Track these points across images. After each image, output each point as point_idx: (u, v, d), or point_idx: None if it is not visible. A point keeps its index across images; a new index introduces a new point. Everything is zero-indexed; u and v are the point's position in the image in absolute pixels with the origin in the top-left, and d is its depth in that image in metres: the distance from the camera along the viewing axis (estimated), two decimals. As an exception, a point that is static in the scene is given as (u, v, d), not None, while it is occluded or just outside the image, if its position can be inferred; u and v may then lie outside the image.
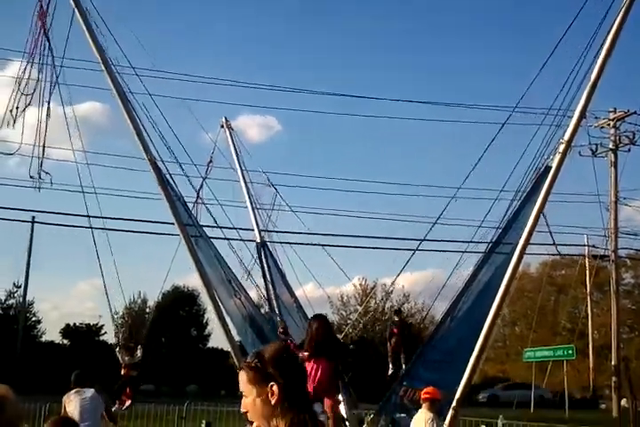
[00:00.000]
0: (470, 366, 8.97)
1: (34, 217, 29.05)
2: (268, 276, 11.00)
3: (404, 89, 56.13)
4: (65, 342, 43.70)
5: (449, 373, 9.42)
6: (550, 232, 9.55)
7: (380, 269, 71.71)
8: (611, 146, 27.18)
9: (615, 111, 27.23)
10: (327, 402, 8.41)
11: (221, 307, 9.11)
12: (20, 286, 39.65)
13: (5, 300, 42.76)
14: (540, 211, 8.54)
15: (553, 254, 37.88)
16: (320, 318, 8.73)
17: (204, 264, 9.00)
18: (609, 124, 27.30)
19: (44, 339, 43.67)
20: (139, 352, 16.32)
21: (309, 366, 8.30)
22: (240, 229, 12.07)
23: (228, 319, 9.20)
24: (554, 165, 8.21)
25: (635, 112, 26.45)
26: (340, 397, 8.96)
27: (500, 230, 9.20)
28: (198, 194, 10.35)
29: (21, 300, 39.66)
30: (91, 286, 58.56)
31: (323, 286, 33.33)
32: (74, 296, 61.20)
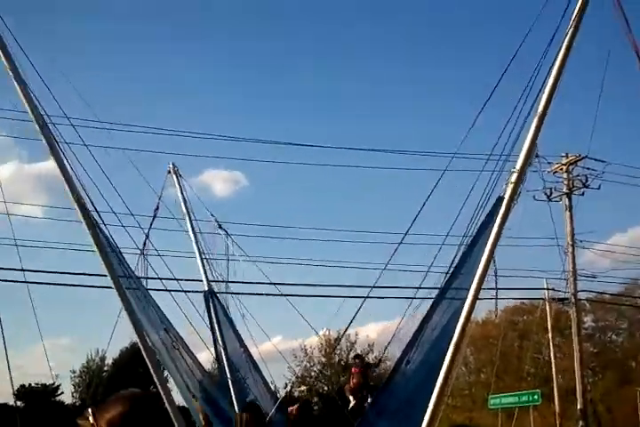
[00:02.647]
0: (429, 415, 8.69)
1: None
2: (216, 328, 10.61)
3: (357, 137, 56.88)
4: (19, 403, 42.14)
5: (408, 422, 9.12)
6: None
7: (346, 319, 70.99)
8: (565, 190, 27.73)
9: (567, 156, 27.90)
10: None
11: (161, 361, 8.78)
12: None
13: (-44, 361, 41.33)
14: (495, 243, 8.32)
15: (512, 298, 38.08)
16: (251, 410, 8.19)
17: (142, 318, 8.70)
18: (562, 169, 27.90)
19: (-6, 401, 42.17)
20: None
21: None
22: (183, 279, 11.73)
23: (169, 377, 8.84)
24: (506, 196, 8.12)
25: (586, 156, 27.14)
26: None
27: (449, 275, 9.05)
28: (144, 245, 10.08)
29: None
30: (53, 346, 57.09)
31: (290, 338, 32.67)
32: (36, 356, 59.47)
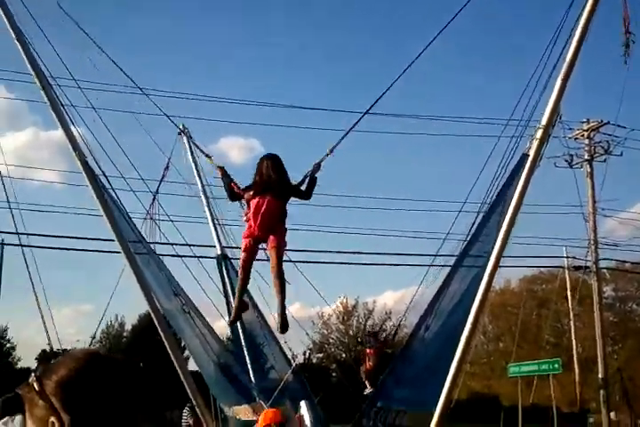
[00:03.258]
0: (448, 382, 8.50)
1: (2, 239, 28.31)
2: (230, 293, 10.36)
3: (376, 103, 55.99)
4: (41, 368, 42.73)
5: (428, 389, 8.93)
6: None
7: (363, 287, 71.22)
8: (586, 156, 27.04)
9: (589, 122, 27.18)
10: (272, 238, 7.77)
11: (174, 326, 8.64)
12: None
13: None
14: (519, 204, 7.96)
15: (532, 266, 37.71)
16: (272, 157, 8.04)
17: (153, 283, 8.54)
18: (583, 135, 27.21)
19: (19, 366, 42.72)
20: None
21: (253, 202, 7.77)
22: (195, 245, 11.51)
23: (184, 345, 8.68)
24: (531, 153, 7.76)
25: (608, 122, 26.39)
26: (308, 419, 8.41)
27: (467, 242, 8.76)
28: (150, 207, 9.84)
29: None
30: (75, 312, 57.67)
31: (309, 306, 32.65)
32: (58, 322, 59.91)
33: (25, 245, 11.15)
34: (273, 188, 7.77)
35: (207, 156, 9.07)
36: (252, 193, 7.82)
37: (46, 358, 41.05)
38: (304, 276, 9.49)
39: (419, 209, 40.03)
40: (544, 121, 7.70)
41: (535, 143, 7.72)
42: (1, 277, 36.05)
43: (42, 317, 11.34)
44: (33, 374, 1.64)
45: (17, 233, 12.09)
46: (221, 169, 8.39)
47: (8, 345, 42.84)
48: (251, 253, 7.99)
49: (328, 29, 66.18)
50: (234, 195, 8.20)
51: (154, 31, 64.38)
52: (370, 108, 8.68)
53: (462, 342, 8.32)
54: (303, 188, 8.13)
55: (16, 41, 8.35)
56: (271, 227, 7.76)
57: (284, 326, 7.77)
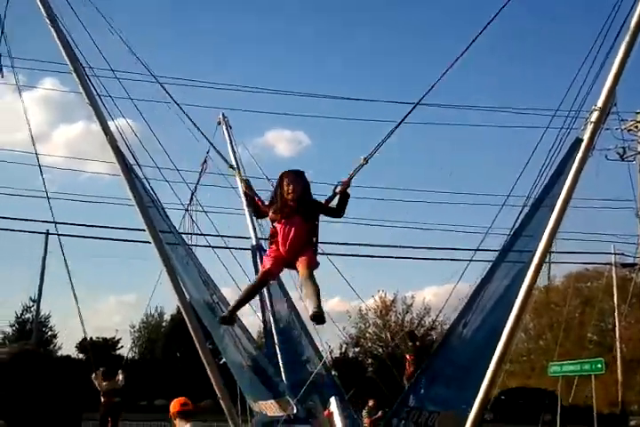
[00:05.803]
0: (487, 382, 8.11)
1: (48, 230, 28.80)
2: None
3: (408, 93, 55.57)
4: (81, 356, 43.26)
5: (464, 389, 8.57)
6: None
7: (403, 282, 70.60)
8: (639, 149, 26.18)
9: (642, 112, 26.18)
10: (302, 258, 7.17)
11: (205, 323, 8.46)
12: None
13: (22, 314, 42.57)
14: (571, 192, 7.42)
15: (578, 263, 36.78)
16: (294, 173, 7.33)
17: (183, 273, 8.35)
18: (636, 127, 26.30)
19: (60, 354, 43.31)
20: (120, 377, 15.14)
21: (280, 227, 7.18)
22: (227, 236, 11.29)
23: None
24: (586, 137, 7.25)
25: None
26: (338, 416, 8.10)
27: (510, 237, 8.33)
28: (191, 200, 9.61)
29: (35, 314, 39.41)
30: (118, 302, 58.42)
31: (347, 301, 32.44)
32: (101, 311, 60.90)
33: (71, 235, 11.04)
34: (299, 209, 7.17)
35: (231, 167, 8.60)
36: (277, 215, 7.23)
37: (85, 347, 41.63)
38: (337, 269, 9.16)
39: (466, 202, 39.32)
40: (600, 102, 7.19)
41: (590, 127, 7.21)
42: (45, 265, 36.74)
43: (78, 307, 11.29)
44: None
45: (54, 222, 12.03)
46: (245, 183, 7.91)
47: (50, 333, 43.45)
48: (274, 274, 7.51)
49: (380, 23, 65.56)
50: (259, 212, 7.69)
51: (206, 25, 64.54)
52: (419, 101, 8.03)
53: (503, 341, 7.93)
54: (334, 203, 7.44)
55: (50, 26, 8.17)
56: (300, 250, 7.21)
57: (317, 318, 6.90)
